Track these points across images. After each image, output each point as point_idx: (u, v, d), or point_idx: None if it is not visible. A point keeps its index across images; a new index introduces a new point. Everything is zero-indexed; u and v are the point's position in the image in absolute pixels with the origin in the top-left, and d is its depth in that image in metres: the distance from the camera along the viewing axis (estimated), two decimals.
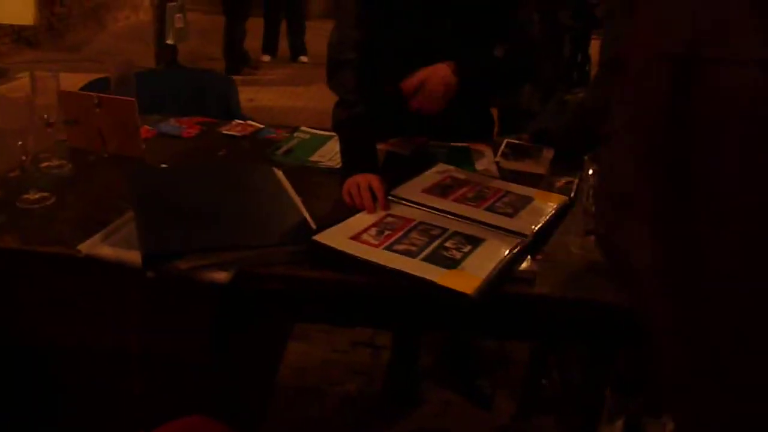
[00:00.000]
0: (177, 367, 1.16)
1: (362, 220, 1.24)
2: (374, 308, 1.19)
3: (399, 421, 1.93)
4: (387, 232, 1.19)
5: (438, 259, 1.11)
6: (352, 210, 1.29)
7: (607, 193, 0.78)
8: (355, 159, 1.41)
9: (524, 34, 1.60)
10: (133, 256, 1.08)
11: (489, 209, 1.32)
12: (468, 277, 1.06)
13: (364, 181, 1.33)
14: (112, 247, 1.12)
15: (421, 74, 1.47)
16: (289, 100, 5.25)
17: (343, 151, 1.47)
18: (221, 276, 1.06)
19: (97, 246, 1.12)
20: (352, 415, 1.96)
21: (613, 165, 0.73)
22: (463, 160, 1.60)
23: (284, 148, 1.65)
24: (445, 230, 1.21)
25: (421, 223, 1.24)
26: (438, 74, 1.47)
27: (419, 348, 2.06)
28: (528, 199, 1.38)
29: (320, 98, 4.36)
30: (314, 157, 1.60)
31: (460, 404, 2.01)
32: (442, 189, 1.40)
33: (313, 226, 1.22)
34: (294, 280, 1.11)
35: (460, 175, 1.48)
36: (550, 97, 2.28)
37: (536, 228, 1.25)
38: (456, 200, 1.35)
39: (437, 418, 1.96)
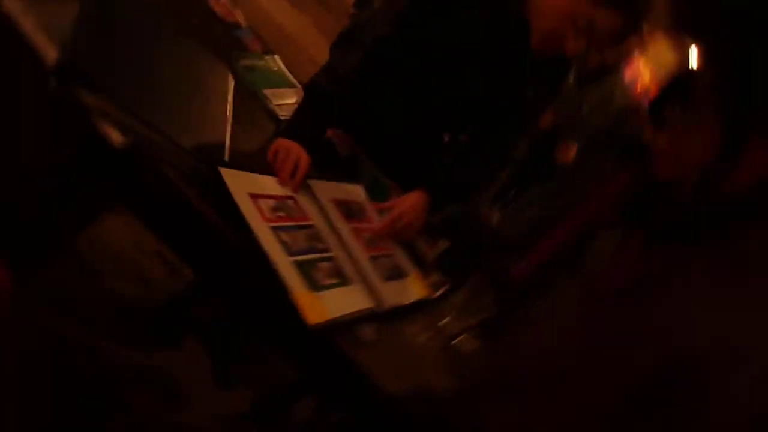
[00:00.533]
0: None
1: (269, 184, 1.20)
2: (211, 259, 1.11)
3: None
4: (281, 214, 1.15)
5: (306, 272, 1.08)
6: (267, 168, 1.24)
7: None
8: (302, 126, 1.36)
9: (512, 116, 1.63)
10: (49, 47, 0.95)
11: (372, 259, 1.32)
12: (320, 307, 1.04)
13: (294, 152, 1.28)
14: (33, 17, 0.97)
15: (396, 211, 1.46)
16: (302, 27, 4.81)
17: (298, 111, 1.41)
18: (117, 138, 0.95)
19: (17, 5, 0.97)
20: None
21: None
22: (380, 196, 1.60)
23: (248, 62, 1.55)
24: (326, 250, 1.19)
25: (313, 228, 1.21)
26: (411, 210, 1.47)
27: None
28: (405, 273, 1.40)
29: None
30: (268, 92, 1.52)
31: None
32: (349, 210, 1.38)
33: (226, 156, 1.15)
34: (169, 186, 1.01)
35: (369, 210, 1.48)
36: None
37: (393, 305, 1.27)
38: (353, 230, 1.33)
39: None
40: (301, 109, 1.41)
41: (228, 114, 1.25)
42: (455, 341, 1.43)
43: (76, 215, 1.34)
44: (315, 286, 1.07)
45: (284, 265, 1.04)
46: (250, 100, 1.43)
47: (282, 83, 1.61)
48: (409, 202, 1.48)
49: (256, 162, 1.21)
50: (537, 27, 1.35)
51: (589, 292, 0.83)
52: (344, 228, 1.30)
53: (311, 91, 1.41)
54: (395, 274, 1.36)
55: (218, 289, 1.18)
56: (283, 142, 1.29)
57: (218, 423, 1.87)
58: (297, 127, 1.35)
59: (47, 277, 1.55)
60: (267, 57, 1.65)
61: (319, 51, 4.41)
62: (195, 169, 1.05)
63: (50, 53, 0.95)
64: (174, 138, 1.05)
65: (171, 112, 1.13)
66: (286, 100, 1.55)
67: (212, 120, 1.21)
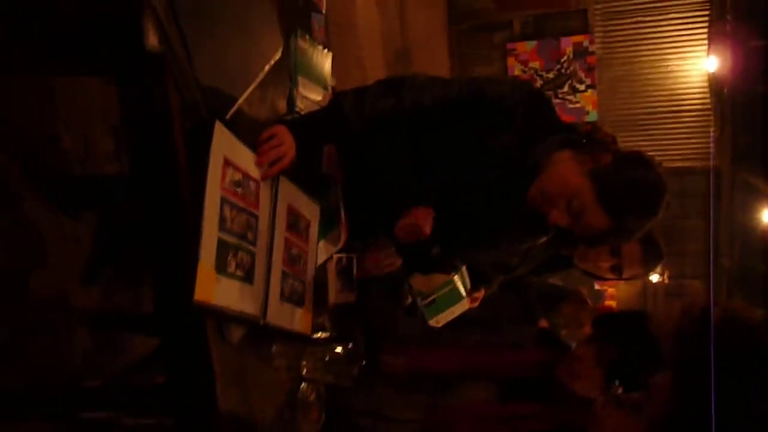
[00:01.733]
0: None
1: (246, 159, 1.22)
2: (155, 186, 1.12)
3: None
4: (238, 190, 1.17)
5: (222, 252, 1.10)
6: (253, 143, 1.26)
7: None
8: (308, 130, 1.38)
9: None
10: None
11: (283, 275, 1.35)
12: (212, 289, 1.06)
13: (286, 146, 1.31)
14: None
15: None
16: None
17: (312, 116, 1.45)
18: (152, 41, 0.97)
19: None
20: None
21: None
22: (328, 226, 1.63)
23: (303, 45, 1.57)
24: (251, 243, 1.22)
25: (255, 218, 1.24)
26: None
27: None
28: (301, 303, 1.43)
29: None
30: (301, 79, 1.54)
31: None
32: (295, 221, 1.41)
33: (230, 112, 1.18)
34: (166, 106, 1.03)
35: (312, 233, 1.51)
36: None
37: (274, 324, 1.29)
38: (287, 239, 1.36)
39: None
40: (315, 116, 1.44)
41: (258, 77, 1.28)
42: (302, 385, 1.46)
43: None
44: (221, 269, 1.10)
45: (210, 235, 1.06)
46: (282, 76, 1.46)
47: (318, 80, 1.64)
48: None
49: (250, 132, 1.24)
50: (540, 184, 1.43)
51: None
52: (281, 235, 1.33)
53: (334, 108, 1.45)
54: (294, 299, 1.40)
55: (143, 209, 1.18)
56: (282, 132, 1.32)
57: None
58: (303, 128, 1.38)
59: None
60: (321, 50, 1.69)
61: (368, 56, 4.47)
62: (197, 107, 1.07)
63: None
64: (199, 64, 1.07)
65: (212, 36, 1.14)
66: (310, 95, 1.59)
67: (241, 73, 1.24)
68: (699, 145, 7.03)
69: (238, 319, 1.16)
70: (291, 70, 1.50)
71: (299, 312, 1.42)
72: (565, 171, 1.40)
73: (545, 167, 1.44)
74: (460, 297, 2.24)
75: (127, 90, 1.03)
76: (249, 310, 1.19)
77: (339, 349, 1.52)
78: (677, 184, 7.03)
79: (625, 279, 1.97)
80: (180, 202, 1.05)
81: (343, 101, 1.44)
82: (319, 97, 1.63)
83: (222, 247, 1.10)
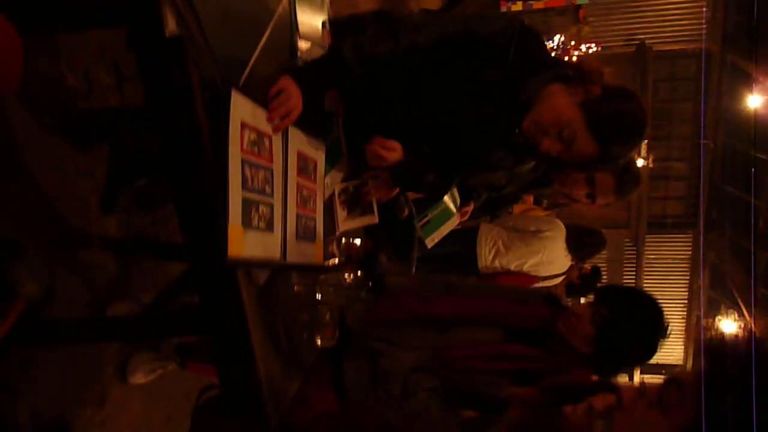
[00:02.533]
0: None
1: (260, 117, 1.31)
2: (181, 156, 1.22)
3: None
4: (255, 149, 1.28)
5: (247, 209, 1.23)
6: (264, 98, 1.34)
7: None
8: (311, 80, 1.45)
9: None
10: None
11: (298, 217, 1.48)
12: (241, 243, 1.20)
13: (294, 100, 1.39)
14: None
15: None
16: None
17: (314, 65, 1.51)
18: (171, 25, 1.04)
19: None
20: None
21: None
22: (333, 158, 1.74)
23: None
24: (270, 196, 1.34)
25: (271, 171, 1.35)
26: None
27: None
28: (315, 238, 1.58)
29: None
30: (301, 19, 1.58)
31: None
32: (305, 165, 1.53)
33: (243, 78, 1.25)
34: (188, 84, 1.12)
35: (320, 168, 1.62)
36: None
37: (293, 262, 1.44)
38: (299, 184, 1.48)
39: None
40: (317, 64, 1.51)
41: (264, 36, 1.34)
42: (318, 308, 1.64)
43: None
44: (247, 224, 1.23)
45: (236, 196, 1.18)
46: (284, 22, 1.51)
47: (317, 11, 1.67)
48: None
49: (259, 89, 1.32)
50: (533, 116, 1.54)
51: None
52: (293, 182, 1.45)
53: (333, 55, 1.51)
54: (307, 236, 1.54)
55: (165, 169, 1.28)
56: (289, 85, 1.40)
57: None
58: (307, 78, 1.45)
59: None
60: None
61: None
62: (213, 78, 1.15)
63: None
64: (211, 34, 1.14)
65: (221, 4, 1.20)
66: (312, 22, 1.63)
67: (249, 34, 1.30)
68: (691, 27, 6.96)
69: (264, 264, 1.31)
70: (291, 16, 1.55)
71: (312, 247, 1.57)
72: (558, 103, 1.51)
73: (538, 101, 1.54)
74: (451, 214, 2.41)
75: (149, 71, 1.11)
76: (272, 254, 1.33)
77: (348, 276, 1.69)
78: (668, 68, 7.04)
79: (599, 205, 2.14)
80: (207, 170, 1.15)
81: (342, 48, 1.50)
82: (319, 19, 1.68)
83: (246, 204, 1.22)
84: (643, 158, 6.60)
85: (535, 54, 1.59)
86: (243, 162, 1.22)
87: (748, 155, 5.95)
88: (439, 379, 1.83)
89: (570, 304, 1.88)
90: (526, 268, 3.29)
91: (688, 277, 7.84)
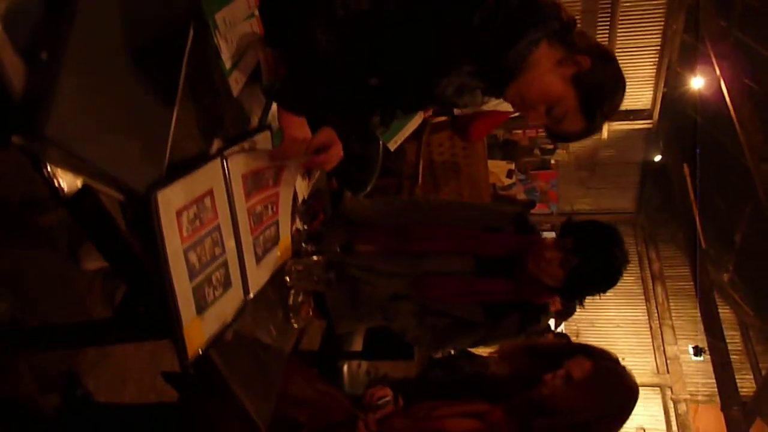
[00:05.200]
0: None
1: (195, 183, 1.18)
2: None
3: None
4: (197, 223, 1.18)
5: (198, 293, 1.17)
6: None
7: None
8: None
9: None
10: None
11: (254, 240, 1.42)
12: (200, 331, 1.18)
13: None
14: None
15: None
16: None
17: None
18: (68, 185, 0.89)
19: None
20: None
21: None
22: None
23: None
24: (221, 255, 1.26)
25: (217, 227, 1.26)
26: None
27: None
28: (275, 241, 1.54)
29: None
30: (219, 17, 1.32)
31: None
32: (254, 182, 1.41)
33: (165, 160, 1.10)
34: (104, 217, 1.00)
35: (268, 173, 1.49)
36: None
37: (258, 289, 1.43)
38: (249, 209, 1.39)
39: None
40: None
41: (178, 91, 1.14)
42: (290, 292, 1.66)
43: None
44: (202, 306, 1.19)
45: (184, 294, 1.12)
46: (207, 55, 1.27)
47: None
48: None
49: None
50: (520, 88, 1.35)
51: None
52: (242, 213, 1.35)
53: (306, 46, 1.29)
54: (268, 246, 1.49)
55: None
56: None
57: None
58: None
59: None
60: None
61: None
62: (130, 193, 1.02)
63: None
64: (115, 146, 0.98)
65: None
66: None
67: (159, 102, 1.10)
68: None
69: (229, 324, 1.30)
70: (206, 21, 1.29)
71: (276, 252, 1.53)
72: (548, 77, 1.33)
73: (524, 69, 1.34)
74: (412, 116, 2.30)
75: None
76: (235, 303, 1.31)
77: (316, 258, 1.68)
78: None
79: None
80: (149, 280, 1.09)
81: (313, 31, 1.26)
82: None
83: (198, 290, 1.17)
84: None
85: (523, 10, 1.35)
86: (185, 251, 1.14)
87: None
88: (416, 305, 1.94)
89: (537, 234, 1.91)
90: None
91: (662, 23, 7.56)
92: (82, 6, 0.81)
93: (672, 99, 7.84)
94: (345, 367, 3.24)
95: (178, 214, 1.11)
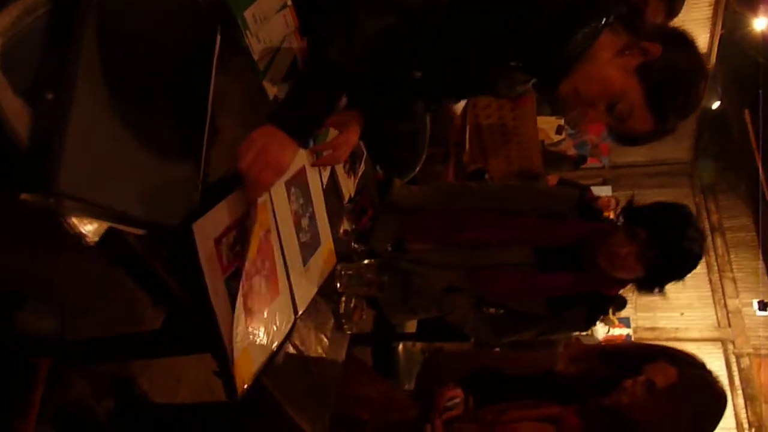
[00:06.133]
0: None
1: (235, 205, 1.08)
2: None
3: None
4: (237, 248, 1.08)
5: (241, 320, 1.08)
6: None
7: None
8: (297, 111, 1.09)
9: None
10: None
11: (297, 230, 1.30)
12: (249, 365, 1.09)
13: (275, 147, 1.06)
14: None
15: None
16: None
17: (299, 90, 1.13)
18: (91, 235, 0.79)
19: None
20: None
21: None
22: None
23: None
24: (264, 262, 1.16)
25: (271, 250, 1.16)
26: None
27: None
28: (318, 243, 1.42)
29: None
30: (249, 15, 1.18)
31: None
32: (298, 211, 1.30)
33: (199, 184, 0.99)
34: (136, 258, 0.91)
35: (311, 174, 1.38)
36: None
37: (307, 302, 1.33)
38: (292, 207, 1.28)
39: None
40: (302, 87, 1.14)
41: (208, 109, 1.02)
42: (342, 299, 1.57)
43: None
44: (249, 337, 1.10)
45: (231, 330, 1.03)
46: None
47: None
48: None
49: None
50: (576, 82, 1.18)
51: None
52: (287, 226, 1.25)
53: (321, 72, 1.14)
54: (312, 246, 1.38)
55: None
56: (269, 132, 1.09)
57: None
58: (294, 108, 1.11)
59: None
60: None
61: None
62: (163, 230, 0.92)
63: None
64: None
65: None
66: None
67: (187, 125, 0.98)
68: None
69: (278, 349, 1.21)
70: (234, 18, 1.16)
71: (320, 255, 1.43)
72: (609, 70, 1.16)
73: (582, 60, 1.17)
74: None
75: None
76: (284, 328, 1.22)
77: (367, 261, 1.57)
78: None
79: None
80: (197, 320, 1.00)
81: (328, 53, 1.12)
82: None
83: (239, 319, 1.08)
84: None
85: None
86: (226, 283, 1.04)
87: None
88: (473, 297, 1.83)
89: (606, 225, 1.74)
90: None
91: None
92: (88, 35, 0.70)
93: (731, 42, 7.33)
94: (400, 347, 3.17)
95: (217, 242, 1.01)
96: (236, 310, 1.02)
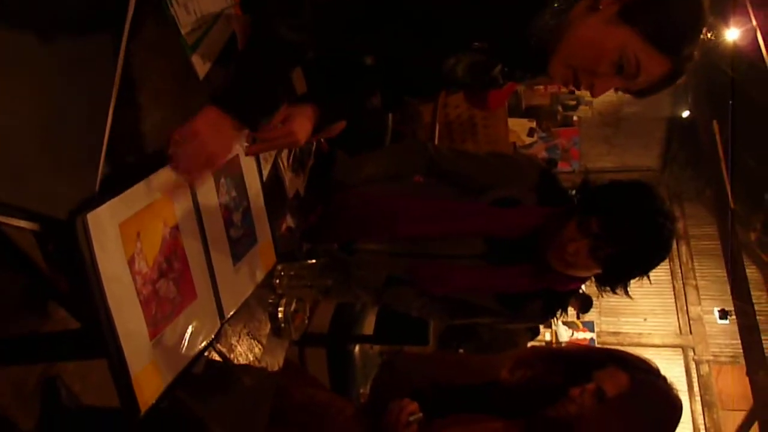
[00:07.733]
0: None
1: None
2: None
3: None
4: (164, 265, 0.95)
5: (156, 330, 0.95)
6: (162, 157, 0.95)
7: None
8: (247, 93, 0.99)
9: None
10: None
11: (227, 225, 1.18)
12: (155, 381, 0.96)
13: (219, 138, 0.96)
14: None
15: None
16: None
17: (242, 71, 1.03)
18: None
19: None
20: None
21: None
22: None
23: None
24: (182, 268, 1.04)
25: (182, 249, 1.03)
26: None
27: None
28: (253, 241, 1.30)
29: None
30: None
31: None
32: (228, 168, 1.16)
33: (98, 179, 0.85)
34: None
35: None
36: None
37: (234, 308, 1.20)
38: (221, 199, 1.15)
39: None
40: (245, 68, 1.03)
41: (114, 87, 0.88)
42: (281, 301, 1.43)
43: None
44: (158, 346, 0.97)
45: (132, 336, 0.91)
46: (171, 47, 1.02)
47: None
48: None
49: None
50: (565, 55, 1.09)
51: None
52: (212, 216, 1.12)
53: (263, 43, 1.04)
54: (246, 244, 1.25)
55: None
56: (211, 116, 0.97)
57: None
58: (237, 92, 1.01)
59: None
60: None
61: None
62: (48, 222, 0.79)
63: None
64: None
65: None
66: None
67: (88, 106, 0.85)
68: None
69: (196, 358, 1.08)
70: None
71: (257, 252, 1.30)
72: (594, 32, 1.06)
73: (562, 36, 1.09)
74: None
75: None
76: (205, 335, 1.09)
77: (311, 261, 1.45)
78: None
79: None
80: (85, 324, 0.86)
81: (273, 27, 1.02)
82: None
83: (153, 323, 0.95)
84: None
85: None
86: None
87: None
88: (415, 289, 1.65)
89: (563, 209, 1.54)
90: None
91: None
92: None
93: (702, 51, 7.36)
94: (357, 349, 3.05)
95: (131, 262, 0.88)
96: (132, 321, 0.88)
